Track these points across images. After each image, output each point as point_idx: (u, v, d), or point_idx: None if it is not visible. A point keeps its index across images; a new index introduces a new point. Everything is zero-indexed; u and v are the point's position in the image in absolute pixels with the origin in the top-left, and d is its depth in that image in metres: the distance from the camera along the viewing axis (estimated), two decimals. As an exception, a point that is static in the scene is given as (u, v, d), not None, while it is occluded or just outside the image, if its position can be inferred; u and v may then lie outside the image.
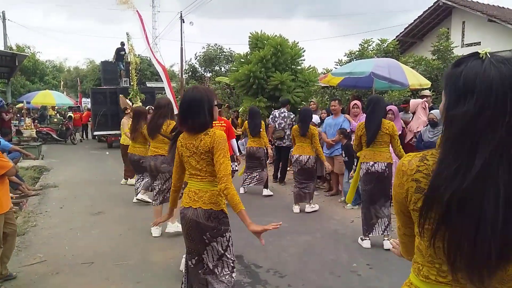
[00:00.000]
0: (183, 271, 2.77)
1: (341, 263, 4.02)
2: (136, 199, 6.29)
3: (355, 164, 5.12)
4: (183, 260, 3.49)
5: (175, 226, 4.70)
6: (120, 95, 12.24)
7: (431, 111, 5.65)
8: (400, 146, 4.41)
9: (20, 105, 19.96)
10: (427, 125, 5.86)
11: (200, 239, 2.46)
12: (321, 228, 5.16)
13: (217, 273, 2.47)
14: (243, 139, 12.45)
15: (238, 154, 6.12)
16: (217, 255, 2.48)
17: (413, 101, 6.48)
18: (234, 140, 5.88)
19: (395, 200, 1.21)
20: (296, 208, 5.89)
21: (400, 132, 5.94)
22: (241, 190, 6.97)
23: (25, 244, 4.51)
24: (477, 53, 1.04)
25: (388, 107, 5.88)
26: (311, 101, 9.22)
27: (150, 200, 6.07)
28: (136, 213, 5.89)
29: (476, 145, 0.96)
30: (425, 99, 6.97)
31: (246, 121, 7.27)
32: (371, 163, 4.35)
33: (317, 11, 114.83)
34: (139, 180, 6.34)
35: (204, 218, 2.41)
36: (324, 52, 62.42)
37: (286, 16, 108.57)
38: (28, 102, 18.57)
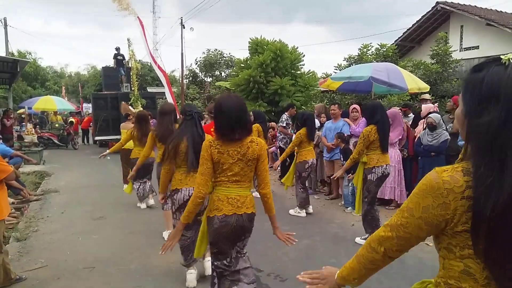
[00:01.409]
0: (214, 277, 2.81)
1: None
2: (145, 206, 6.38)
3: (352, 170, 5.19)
4: (192, 276, 3.55)
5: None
6: (122, 102, 12.31)
7: (430, 115, 5.69)
8: None
9: (21, 110, 20.01)
10: (425, 129, 5.90)
11: (239, 239, 2.75)
12: (321, 231, 5.18)
13: (245, 266, 2.79)
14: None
15: None
16: (240, 249, 2.79)
17: (425, 106, 6.51)
18: None
19: (422, 222, 1.05)
20: (310, 209, 6.00)
21: (400, 137, 6.00)
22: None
23: (27, 249, 4.53)
24: (498, 59, 0.98)
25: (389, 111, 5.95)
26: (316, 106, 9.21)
27: (153, 203, 6.31)
28: (136, 217, 5.91)
29: (505, 157, 0.90)
30: (436, 104, 7.02)
31: (258, 124, 6.91)
32: (385, 166, 4.54)
33: (315, 16, 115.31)
34: (142, 184, 6.35)
35: (248, 221, 2.66)
36: (323, 57, 62.72)
37: (285, 21, 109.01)
38: (29, 108, 18.63)
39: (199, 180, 2.51)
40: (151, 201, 6.44)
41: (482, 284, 1.00)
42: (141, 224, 5.52)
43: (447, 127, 6.52)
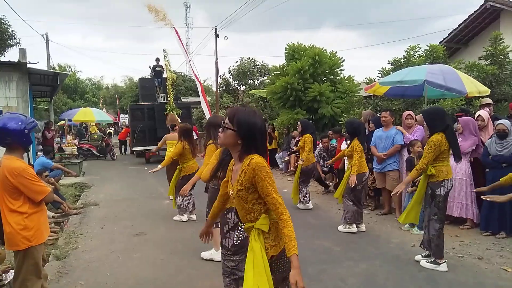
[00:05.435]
0: None
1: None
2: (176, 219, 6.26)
3: (416, 183, 4.63)
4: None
5: (217, 253, 4.36)
6: (171, 112, 12.45)
7: (500, 121, 5.06)
8: None
9: (61, 122, 20.61)
10: (491, 137, 5.28)
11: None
12: (379, 253, 4.65)
13: None
14: (281, 152, 12.05)
15: None
16: None
17: (483, 113, 5.77)
18: None
19: None
20: (362, 226, 5.59)
21: (474, 147, 5.42)
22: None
23: (66, 269, 4.32)
24: None
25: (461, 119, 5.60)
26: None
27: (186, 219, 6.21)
28: (177, 233, 5.62)
29: None
30: (486, 108, 6.36)
31: (309, 135, 6.87)
32: (453, 178, 4.20)
33: (345, 21, 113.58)
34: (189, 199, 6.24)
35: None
36: (355, 62, 61.33)
37: (314, 27, 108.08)
38: (69, 120, 19.12)
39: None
40: (193, 216, 6.32)
41: None
42: (182, 241, 5.22)
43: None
